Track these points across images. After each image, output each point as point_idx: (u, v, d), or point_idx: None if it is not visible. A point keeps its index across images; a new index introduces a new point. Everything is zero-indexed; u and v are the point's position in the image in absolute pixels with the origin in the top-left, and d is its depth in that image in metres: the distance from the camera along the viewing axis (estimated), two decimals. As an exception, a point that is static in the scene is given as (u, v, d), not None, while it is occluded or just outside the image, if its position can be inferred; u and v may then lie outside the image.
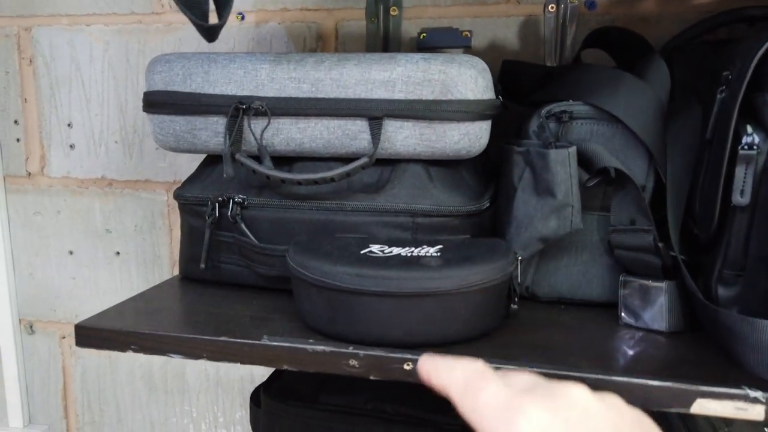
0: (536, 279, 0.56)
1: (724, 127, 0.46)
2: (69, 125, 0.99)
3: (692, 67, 0.59)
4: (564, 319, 0.53)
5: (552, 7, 0.81)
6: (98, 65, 0.96)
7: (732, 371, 0.43)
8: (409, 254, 0.48)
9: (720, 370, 0.43)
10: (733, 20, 0.66)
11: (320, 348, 0.46)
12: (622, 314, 0.52)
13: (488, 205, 0.57)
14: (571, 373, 0.42)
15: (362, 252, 0.48)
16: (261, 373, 1.01)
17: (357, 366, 0.45)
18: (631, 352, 0.46)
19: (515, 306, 0.51)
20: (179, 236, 0.63)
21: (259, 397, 0.72)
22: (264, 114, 0.55)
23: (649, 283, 0.50)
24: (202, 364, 1.03)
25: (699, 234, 0.50)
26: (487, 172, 0.63)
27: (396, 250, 0.49)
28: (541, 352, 0.45)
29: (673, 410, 0.41)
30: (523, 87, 0.64)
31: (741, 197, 0.45)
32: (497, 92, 0.60)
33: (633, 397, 0.41)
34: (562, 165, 0.49)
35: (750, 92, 0.45)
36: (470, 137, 0.54)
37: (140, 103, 0.96)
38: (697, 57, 0.60)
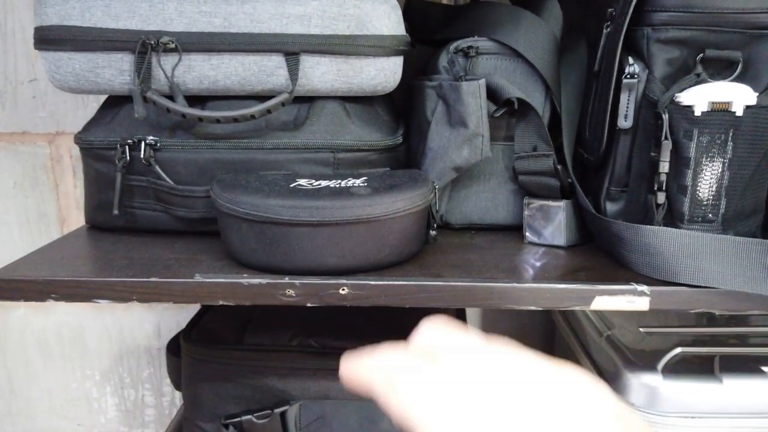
0: (449, 208, 0.60)
1: (610, 59, 0.51)
2: None
3: (578, 4, 0.65)
4: (476, 242, 0.58)
5: (447, -50, 0.83)
6: (-46, 2, 0.85)
7: (621, 272, 0.50)
8: (337, 185, 0.50)
9: (612, 272, 0.50)
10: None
11: (256, 281, 0.47)
12: (527, 233, 0.57)
13: (402, 139, 0.60)
14: (490, 284, 0.47)
15: (291, 185, 0.49)
16: (168, 327, 0.99)
17: (294, 295, 0.47)
18: (537, 264, 0.52)
19: (434, 232, 0.55)
20: (67, 191, 0.59)
21: (177, 346, 0.71)
22: (174, 50, 0.53)
23: (549, 203, 0.55)
24: (102, 325, 0.98)
25: (589, 157, 0.56)
26: (396, 109, 0.65)
27: (324, 182, 0.50)
28: (462, 270, 0.50)
29: (576, 308, 0.48)
30: (427, 26, 0.66)
31: (625, 121, 0.51)
32: (405, 28, 0.62)
33: (543, 299, 0.47)
34: (473, 96, 0.53)
35: (630, 27, 0.51)
36: (386, 73, 0.56)
37: (10, 46, 0.87)
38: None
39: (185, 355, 0.67)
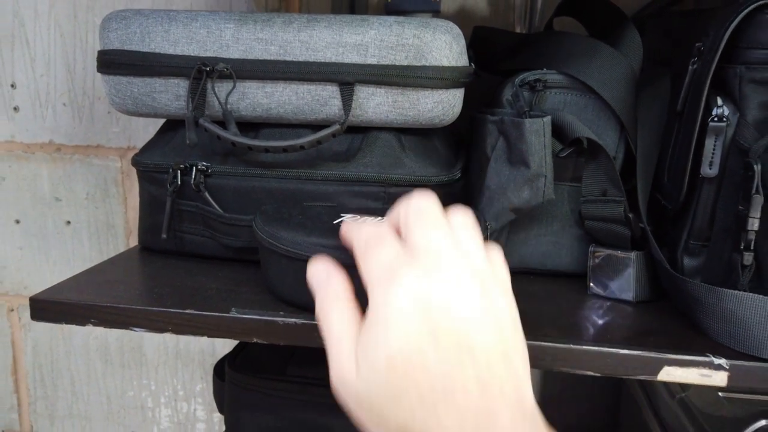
0: (507, 250, 0.56)
1: (696, 99, 0.46)
2: (12, 86, 0.93)
3: (663, 36, 0.59)
4: (534, 289, 0.53)
5: (523, -26, 0.80)
6: (44, 21, 0.90)
7: (697, 339, 0.44)
8: (382, 224, 0.47)
9: (685, 338, 0.44)
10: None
11: (292, 320, 0.45)
12: (591, 284, 0.52)
13: (460, 175, 0.57)
14: (542, 343, 0.42)
15: (335, 223, 0.47)
16: (222, 345, 1.00)
17: (330, 338, 0.44)
18: (600, 322, 0.47)
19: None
20: (135, 205, 0.60)
21: (223, 369, 0.70)
22: (229, 77, 0.52)
23: (618, 253, 0.50)
24: (161, 336, 1.00)
25: (666, 205, 0.51)
26: (457, 142, 0.62)
27: (369, 220, 0.48)
28: (514, 322, 0.45)
29: (641, 378, 0.42)
30: (495, 54, 0.63)
31: (710, 169, 0.46)
32: (470, 59, 0.59)
33: (603, 365, 0.42)
34: (537, 135, 0.49)
35: (721, 64, 0.46)
36: (444, 105, 0.53)
37: (90, 63, 0.91)
38: (668, 27, 0.60)
39: (229, 381, 0.66)
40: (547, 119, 0.49)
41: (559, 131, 0.51)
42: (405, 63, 0.51)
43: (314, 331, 0.44)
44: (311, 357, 0.66)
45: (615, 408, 0.92)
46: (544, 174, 0.50)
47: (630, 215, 0.49)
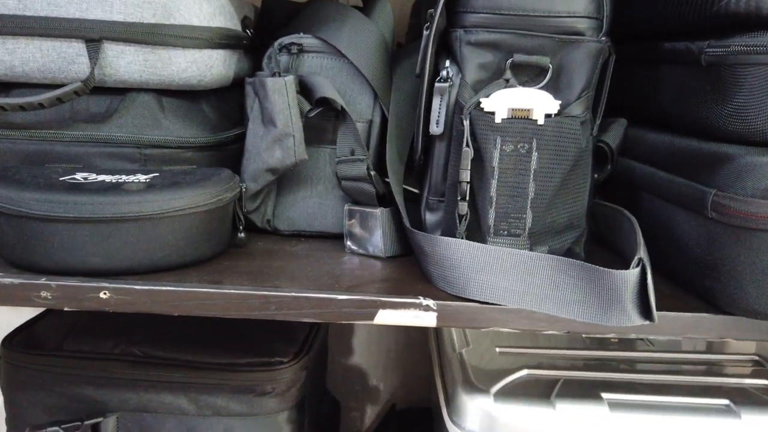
0: (277, 212, 0.57)
1: (423, 62, 0.49)
2: None
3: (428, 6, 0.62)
4: (296, 250, 0.54)
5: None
6: None
7: (418, 286, 0.46)
8: (114, 180, 0.46)
9: (408, 285, 0.46)
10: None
11: (8, 280, 0.43)
12: (348, 242, 0.54)
13: (230, 138, 0.57)
14: (266, 292, 0.43)
15: (62, 179, 0.46)
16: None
17: (50, 297, 0.43)
18: (338, 274, 0.48)
19: (242, 235, 0.52)
20: None
21: (4, 350, 0.67)
22: (-37, 31, 0.49)
23: (367, 210, 0.52)
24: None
25: (415, 164, 0.53)
26: (233, 107, 0.62)
27: (102, 177, 0.47)
28: (251, 277, 0.46)
29: (360, 322, 0.44)
30: (275, 23, 0.64)
31: (437, 127, 0.48)
32: (246, 26, 0.59)
33: (324, 311, 0.44)
34: (280, 93, 0.50)
35: (447, 28, 0.48)
36: (199, 66, 0.52)
37: None
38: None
39: (3, 360, 0.62)
40: (290, 78, 0.50)
41: (309, 93, 0.52)
42: (153, 21, 0.50)
43: (33, 291, 0.42)
44: (92, 330, 0.64)
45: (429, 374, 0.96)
46: (291, 133, 0.51)
47: (372, 173, 0.52)
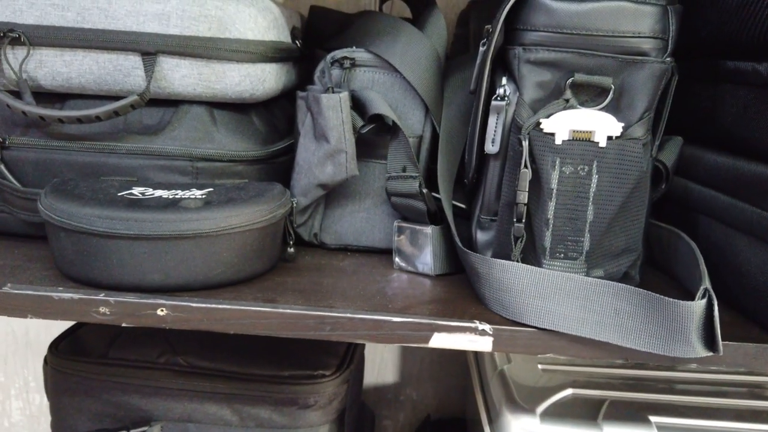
0: (324, 226, 0.57)
1: (479, 79, 0.48)
2: None
3: (484, 21, 0.62)
4: (344, 265, 0.54)
5: (372, -41, 0.81)
6: None
7: (472, 309, 0.46)
8: (171, 196, 0.46)
9: (463, 307, 0.46)
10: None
11: (67, 295, 0.43)
12: (396, 259, 0.54)
13: (280, 151, 0.57)
14: (321, 313, 0.43)
15: (120, 194, 0.46)
16: (77, 332, 0.95)
17: (108, 313, 0.43)
18: (389, 294, 0.48)
19: (291, 250, 0.52)
20: None
21: (50, 354, 0.67)
22: (23, 43, 0.50)
23: (417, 227, 0.52)
24: (8, 325, 0.95)
25: (466, 182, 0.53)
26: (280, 119, 0.62)
27: (159, 193, 0.47)
28: (306, 295, 0.46)
29: (415, 345, 0.44)
30: (324, 34, 0.63)
31: (492, 146, 0.48)
32: (295, 36, 0.59)
33: (377, 333, 0.43)
34: (334, 110, 0.49)
35: (505, 45, 0.48)
36: (252, 79, 0.52)
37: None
38: (488, 11, 0.63)
39: (50, 366, 0.63)
40: (344, 95, 0.50)
41: (362, 108, 0.52)
42: (208, 35, 0.50)
43: (92, 307, 0.43)
44: (137, 339, 0.65)
45: (465, 386, 0.95)
46: (344, 149, 0.50)
47: (425, 190, 0.51)
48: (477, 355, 0.76)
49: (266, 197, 0.47)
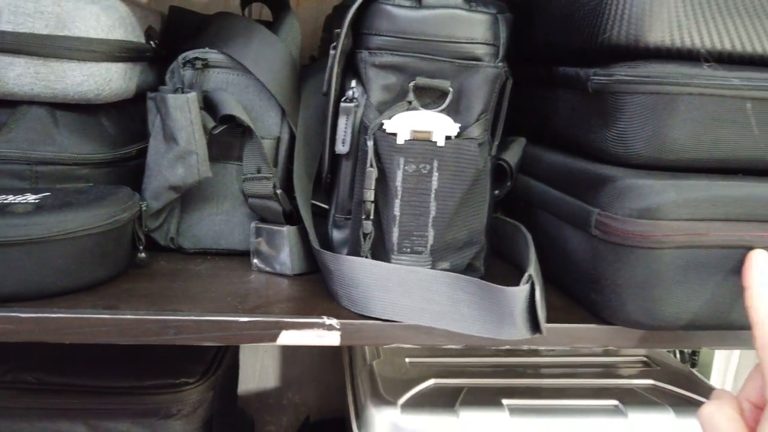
0: (181, 230, 0.56)
1: (330, 81, 0.49)
2: None
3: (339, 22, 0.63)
4: (201, 269, 0.53)
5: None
6: None
7: (323, 305, 0.47)
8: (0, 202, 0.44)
9: (317, 305, 0.47)
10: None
11: None
12: (254, 260, 0.54)
13: (132, 153, 0.55)
14: (163, 317, 0.42)
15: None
16: None
17: (-76, 327, 0.40)
18: (243, 294, 0.48)
19: (143, 255, 0.50)
20: None
21: None
22: None
23: (274, 228, 0.52)
24: None
25: (324, 181, 0.54)
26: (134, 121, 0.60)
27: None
28: (149, 300, 0.45)
29: (264, 343, 0.44)
30: (185, 35, 0.62)
31: (342, 146, 0.49)
32: (151, 37, 0.58)
33: (225, 334, 0.43)
34: (182, 111, 0.49)
35: (353, 49, 0.49)
36: (96, 79, 0.50)
37: None
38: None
39: None
40: (192, 95, 0.49)
41: (214, 109, 0.52)
42: (45, 32, 0.48)
43: None
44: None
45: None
46: (194, 151, 0.50)
47: (279, 191, 0.52)
48: (351, 353, 0.77)
49: (108, 201, 0.46)
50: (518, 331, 0.43)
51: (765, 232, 0.42)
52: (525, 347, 0.46)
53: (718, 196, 0.42)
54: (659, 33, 0.43)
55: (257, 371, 0.95)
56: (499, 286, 0.42)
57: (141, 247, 0.50)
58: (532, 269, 0.44)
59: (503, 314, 0.43)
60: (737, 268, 0.43)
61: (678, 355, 1.07)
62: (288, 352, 0.95)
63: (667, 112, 0.43)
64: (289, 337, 0.44)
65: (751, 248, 0.42)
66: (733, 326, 0.45)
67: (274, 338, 0.44)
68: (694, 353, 1.09)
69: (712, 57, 0.43)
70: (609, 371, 0.70)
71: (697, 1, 0.43)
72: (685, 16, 0.42)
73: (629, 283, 0.44)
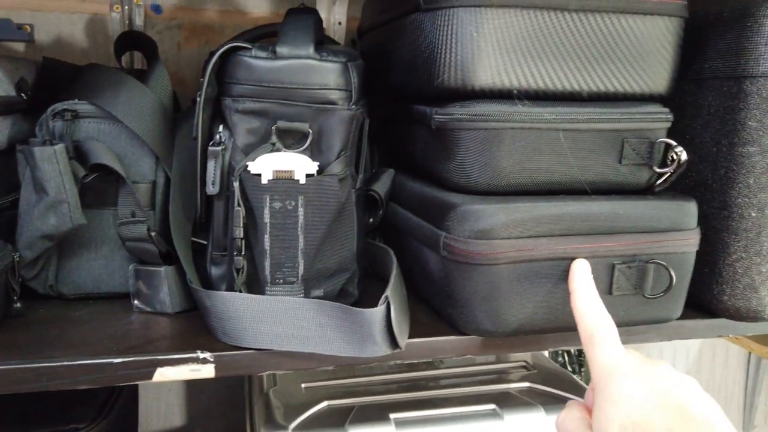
0: (60, 277, 0.57)
1: (197, 126, 0.52)
2: None
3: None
4: (80, 314, 0.54)
5: (117, 8, 0.82)
6: None
7: (203, 340, 0.49)
8: None
9: (194, 341, 0.49)
10: (269, 33, 0.76)
11: None
12: (135, 301, 0.55)
13: (6, 204, 0.56)
14: (36, 364, 0.43)
15: None
16: None
17: None
18: (120, 336, 0.49)
19: (18, 305, 0.51)
20: None
21: None
22: None
23: (151, 268, 0.54)
24: None
25: (198, 220, 0.56)
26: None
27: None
28: (21, 349, 0.46)
29: (141, 382, 0.46)
30: (59, 86, 0.63)
31: (213, 187, 0.52)
32: (22, 89, 0.59)
33: (100, 374, 0.45)
34: (49, 162, 0.50)
35: (219, 96, 0.53)
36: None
37: None
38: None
39: None
40: (59, 147, 0.51)
41: (85, 158, 0.53)
42: None
43: None
44: None
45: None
46: (65, 200, 0.51)
47: (153, 233, 0.54)
48: (250, 384, 0.79)
49: (-25, 255, 0.47)
50: (379, 348, 0.47)
51: (583, 244, 0.49)
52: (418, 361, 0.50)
53: (541, 215, 0.48)
54: (483, 77, 0.49)
55: (162, 410, 0.94)
56: (359, 309, 0.46)
57: (15, 298, 0.50)
58: (389, 290, 0.49)
59: (364, 334, 0.47)
60: (564, 276, 0.49)
61: (566, 357, 1.15)
62: (193, 388, 0.95)
63: (495, 144, 0.50)
64: (164, 374, 0.46)
65: (574, 258, 0.49)
66: (569, 327, 0.51)
67: (149, 376, 0.46)
68: (580, 353, 1.18)
69: (529, 95, 0.50)
70: (491, 378, 0.76)
71: (512, 48, 0.49)
72: (503, 61, 0.49)
73: (475, 297, 0.49)
